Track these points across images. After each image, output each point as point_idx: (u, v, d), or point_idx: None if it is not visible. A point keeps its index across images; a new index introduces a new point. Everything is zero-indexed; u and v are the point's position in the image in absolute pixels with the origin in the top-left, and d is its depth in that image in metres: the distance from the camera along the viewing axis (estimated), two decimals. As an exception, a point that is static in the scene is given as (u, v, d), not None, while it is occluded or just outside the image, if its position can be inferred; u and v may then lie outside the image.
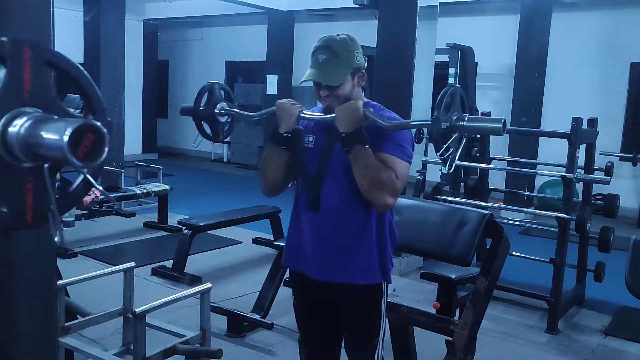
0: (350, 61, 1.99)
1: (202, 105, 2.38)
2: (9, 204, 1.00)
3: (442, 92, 1.76)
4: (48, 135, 0.95)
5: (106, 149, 0.96)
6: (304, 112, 2.05)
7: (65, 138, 0.91)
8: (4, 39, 0.98)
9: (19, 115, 0.99)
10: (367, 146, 1.88)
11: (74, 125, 0.92)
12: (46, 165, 1.00)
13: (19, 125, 0.97)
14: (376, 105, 2.09)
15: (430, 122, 1.76)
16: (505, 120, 1.73)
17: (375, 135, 1.94)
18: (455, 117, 1.74)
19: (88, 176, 1.03)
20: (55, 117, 1.01)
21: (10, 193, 1.00)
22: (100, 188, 1.07)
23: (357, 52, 2.01)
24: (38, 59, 1.01)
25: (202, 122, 2.40)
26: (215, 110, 2.37)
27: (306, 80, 2.00)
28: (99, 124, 0.96)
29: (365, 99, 2.10)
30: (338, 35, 2.01)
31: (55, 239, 1.04)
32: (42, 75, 1.03)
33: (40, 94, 1.02)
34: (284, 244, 2.31)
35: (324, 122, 2.05)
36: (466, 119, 1.74)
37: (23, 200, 1.01)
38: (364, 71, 2.06)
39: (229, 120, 2.45)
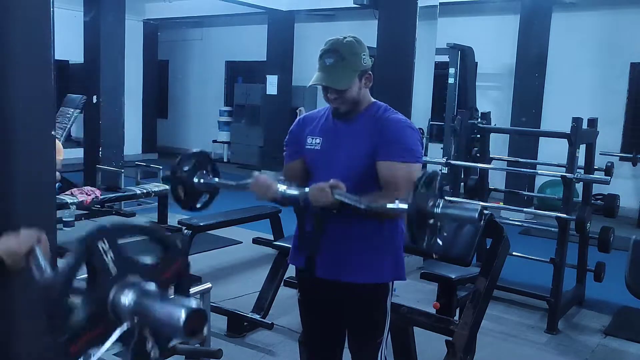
0: (357, 64, 2.00)
1: (184, 169, 2.20)
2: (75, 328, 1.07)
3: (420, 176, 1.68)
4: (163, 314, 1.05)
5: (206, 329, 1.10)
6: (281, 188, 1.97)
7: (181, 321, 1.01)
8: (83, 239, 1.09)
9: (127, 286, 1.10)
10: (359, 199, 1.84)
11: (188, 309, 1.02)
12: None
13: (129, 296, 1.09)
14: (383, 105, 2.10)
15: (405, 209, 1.69)
16: (481, 208, 1.64)
17: (382, 143, 1.96)
18: (430, 204, 1.63)
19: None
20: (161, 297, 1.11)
21: (84, 321, 1.08)
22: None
23: (364, 54, 2.02)
24: (113, 242, 1.13)
25: (178, 187, 2.21)
26: (194, 180, 2.20)
27: (314, 85, 2.00)
28: (205, 310, 1.07)
29: (373, 100, 2.11)
30: (345, 38, 2.02)
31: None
32: (120, 249, 1.15)
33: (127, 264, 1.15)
34: (284, 244, 2.31)
35: (331, 125, 2.07)
36: (441, 205, 1.66)
37: (82, 335, 1.08)
38: (371, 72, 2.07)
39: (206, 196, 2.28)
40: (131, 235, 1.19)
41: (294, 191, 1.97)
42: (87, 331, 1.07)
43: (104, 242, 1.09)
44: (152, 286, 1.11)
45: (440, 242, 1.69)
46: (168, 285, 1.19)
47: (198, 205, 2.26)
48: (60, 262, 1.10)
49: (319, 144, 2.09)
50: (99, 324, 1.07)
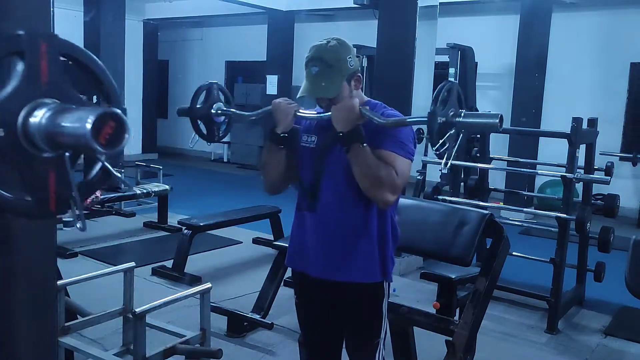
0: (344, 69, 1.98)
1: (198, 104, 2.37)
2: (33, 193, 1.03)
3: (438, 87, 1.75)
4: (70, 124, 0.98)
5: (127, 136, 0.99)
6: (301, 111, 2.04)
7: (88, 125, 0.94)
8: (21, 32, 1.01)
9: (38, 106, 1.01)
10: (365, 144, 1.87)
11: (96, 113, 0.95)
12: (67, 154, 1.04)
13: (39, 116, 1.00)
14: (378, 103, 2.09)
15: (426, 118, 1.73)
16: (501, 115, 1.71)
17: (376, 133, 1.94)
18: (451, 113, 1.72)
19: (106, 163, 1.07)
20: (74, 106, 1.04)
21: (33, 183, 1.03)
22: (119, 175, 1.10)
23: (350, 57, 1.99)
24: (54, 51, 1.04)
25: (199, 122, 2.38)
26: (212, 111, 2.36)
27: (303, 96, 2.00)
28: (119, 111, 0.99)
29: (367, 98, 2.11)
30: (328, 42, 1.99)
31: (77, 225, 1.07)
32: (58, 67, 1.05)
33: (58, 85, 1.05)
34: (284, 244, 2.32)
35: (325, 122, 2.05)
36: (462, 114, 1.72)
37: (46, 189, 1.04)
38: (360, 74, 2.06)
39: (225, 120, 2.44)
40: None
41: (314, 113, 2.04)
42: (46, 180, 1.05)
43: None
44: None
45: (453, 152, 1.77)
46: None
47: (220, 135, 2.44)
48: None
49: (314, 141, 2.09)
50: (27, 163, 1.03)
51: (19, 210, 1.04)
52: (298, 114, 2.04)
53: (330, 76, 1.96)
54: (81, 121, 0.95)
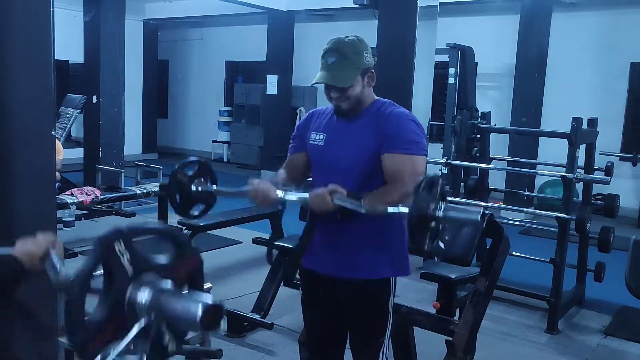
0: (360, 62, 2.01)
1: (184, 174, 2.16)
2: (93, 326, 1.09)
3: (421, 180, 1.67)
4: (180, 308, 1.09)
5: (223, 324, 1.13)
6: (282, 193, 1.97)
7: (199, 314, 1.04)
8: (97, 243, 1.12)
9: (141, 284, 1.12)
10: (360, 203, 1.83)
11: (206, 304, 1.06)
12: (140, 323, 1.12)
13: (146, 293, 1.12)
14: (386, 102, 2.11)
15: (407, 211, 1.68)
16: (484, 211, 1.64)
17: (386, 137, 1.97)
18: (432, 207, 1.62)
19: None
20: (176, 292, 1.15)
21: (102, 319, 1.10)
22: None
23: (366, 53, 2.03)
24: (128, 243, 1.14)
25: (177, 194, 2.16)
26: (192, 187, 2.15)
27: (317, 83, 2.01)
28: (223, 304, 1.08)
29: (376, 97, 2.12)
30: (347, 37, 2.03)
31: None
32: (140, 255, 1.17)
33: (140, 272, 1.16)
34: (284, 244, 2.31)
35: (335, 122, 2.08)
36: (443, 208, 1.62)
37: (100, 333, 1.09)
38: (374, 71, 2.08)
39: (204, 200, 2.21)
40: (146, 236, 1.22)
41: (293, 197, 1.98)
42: (105, 329, 1.09)
43: (120, 243, 1.11)
44: (167, 283, 1.14)
45: (443, 246, 1.68)
46: (183, 283, 1.21)
47: (195, 213, 2.22)
48: (78, 264, 1.12)
49: (322, 139, 2.10)
50: (116, 321, 1.10)
51: (68, 331, 1.08)
52: (279, 196, 1.97)
53: (345, 67, 1.98)
54: (191, 309, 1.06)
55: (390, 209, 1.74)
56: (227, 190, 2.19)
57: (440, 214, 1.59)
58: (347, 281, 2.07)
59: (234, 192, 2.16)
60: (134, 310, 1.10)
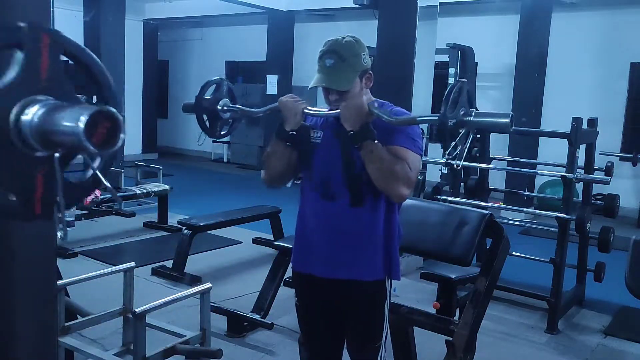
0: (358, 64, 1.99)
1: (205, 97, 2.34)
2: (19, 193, 0.98)
3: (449, 87, 1.74)
4: (63, 121, 0.93)
5: (121, 136, 0.94)
6: (309, 108, 2.04)
7: (82, 124, 0.89)
8: (23, 23, 0.97)
9: (33, 102, 0.97)
10: (376, 141, 1.87)
11: (90, 111, 0.91)
12: (57, 154, 0.99)
13: (32, 113, 0.96)
14: (385, 102, 2.10)
15: (437, 118, 1.72)
16: (513, 115, 1.69)
17: (385, 130, 1.95)
18: (462, 113, 1.70)
19: (98, 172, 1.03)
20: (69, 104, 0.99)
21: (20, 182, 0.98)
22: (108, 184, 1.06)
23: (364, 54, 2.01)
24: (56, 46, 1.00)
25: (204, 116, 2.35)
26: (218, 107, 2.33)
27: (315, 86, 2.00)
28: (114, 110, 0.94)
29: (373, 98, 2.11)
30: (344, 38, 2.01)
31: (59, 233, 1.03)
32: (59, 64, 1.01)
33: (56, 83, 1.01)
34: (284, 244, 2.31)
35: (332, 119, 2.06)
36: (473, 114, 1.70)
37: (33, 190, 0.99)
38: (371, 72, 2.07)
39: (229, 119, 2.42)
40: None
41: (322, 110, 2.02)
42: (32, 186, 0.99)
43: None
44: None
45: (465, 151, 1.73)
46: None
47: (222, 132, 2.38)
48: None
49: (319, 137, 2.09)
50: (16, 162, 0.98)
51: (2, 210, 0.99)
52: (306, 111, 2.03)
53: (343, 70, 1.97)
54: (75, 119, 0.90)
55: (419, 119, 1.78)
56: (253, 110, 2.31)
57: (470, 118, 1.63)
58: (341, 282, 2.07)
59: (261, 111, 2.25)
60: (25, 139, 0.97)
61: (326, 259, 2.08)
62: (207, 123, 2.37)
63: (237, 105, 2.35)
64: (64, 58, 1.05)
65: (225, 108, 2.33)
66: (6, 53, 0.98)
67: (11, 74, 0.96)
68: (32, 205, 0.99)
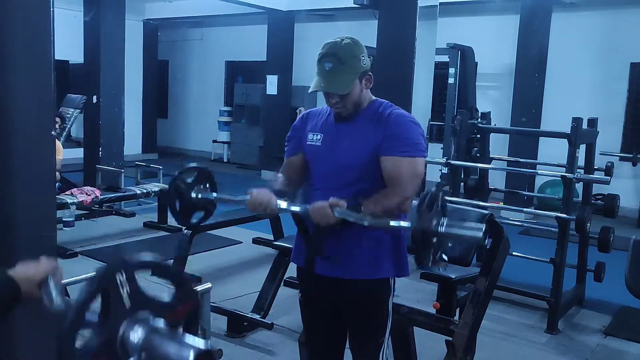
0: (357, 66, 1.99)
1: (184, 182, 2.16)
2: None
3: (422, 195, 1.68)
4: (172, 350, 1.06)
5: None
6: (281, 205, 1.96)
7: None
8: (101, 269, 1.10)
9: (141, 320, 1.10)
10: (361, 216, 1.85)
11: (197, 350, 1.04)
12: None
13: (140, 332, 1.09)
14: (384, 102, 2.10)
15: (409, 227, 1.68)
16: (486, 227, 1.64)
17: (385, 138, 1.96)
18: (434, 223, 1.63)
19: None
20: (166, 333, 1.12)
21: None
22: None
23: (363, 56, 2.01)
24: (131, 277, 1.14)
25: (176, 202, 2.16)
26: (192, 194, 2.15)
27: (315, 90, 1.99)
28: (215, 351, 1.06)
29: (374, 98, 2.11)
30: (342, 40, 2.00)
31: None
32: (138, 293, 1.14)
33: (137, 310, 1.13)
34: (284, 244, 2.30)
35: (332, 122, 2.08)
36: (445, 224, 1.63)
37: None
38: (371, 73, 2.06)
39: (204, 207, 2.24)
40: (148, 270, 1.22)
41: (295, 207, 1.97)
42: None
43: (122, 274, 1.10)
44: (161, 323, 1.12)
45: (446, 258, 1.68)
46: (178, 323, 1.20)
47: (194, 221, 2.23)
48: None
49: (319, 139, 2.09)
50: (107, 356, 1.08)
51: None
52: (282, 207, 1.97)
53: (343, 73, 1.96)
54: (183, 355, 1.03)
55: (392, 223, 1.75)
56: (227, 197, 2.18)
57: (442, 229, 1.59)
58: (346, 281, 2.07)
59: (234, 200, 2.14)
60: (125, 347, 1.08)
61: (329, 260, 2.08)
62: (178, 207, 2.18)
63: (214, 194, 2.18)
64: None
65: (200, 197, 2.15)
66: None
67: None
68: None
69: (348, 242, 2.05)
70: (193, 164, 2.20)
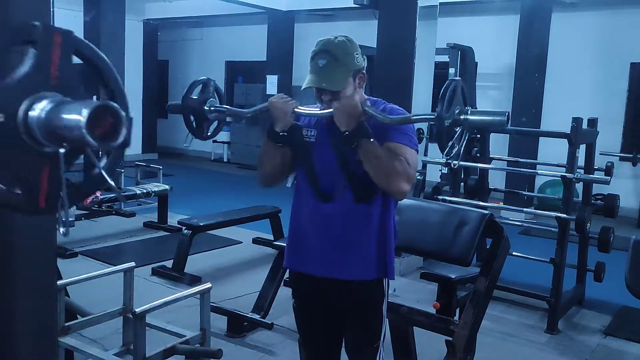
0: (350, 64, 1.97)
1: (192, 96, 2.31)
2: (24, 186, 0.99)
3: (444, 86, 1.71)
4: (67, 115, 0.95)
5: (124, 131, 0.96)
6: (300, 107, 2.01)
7: (83, 117, 0.91)
8: (37, 22, 0.99)
9: (41, 98, 0.99)
10: (372, 139, 1.85)
11: (92, 105, 0.93)
12: (62, 150, 1.00)
13: (39, 108, 0.97)
14: (377, 100, 2.08)
15: (433, 117, 1.69)
16: (508, 112, 1.67)
17: (379, 128, 1.94)
18: (457, 112, 1.66)
19: (103, 171, 1.05)
20: (75, 100, 1.00)
21: (26, 176, 1.00)
22: (113, 184, 1.07)
23: (357, 54, 1.99)
24: (68, 45, 1.02)
25: (191, 117, 2.31)
26: (205, 107, 2.29)
27: (308, 87, 1.98)
28: (116, 106, 0.96)
29: (366, 96, 2.10)
30: (336, 37, 1.99)
31: (61, 229, 1.04)
32: (69, 63, 1.03)
33: (66, 80, 1.02)
34: (284, 244, 2.30)
35: (326, 119, 2.04)
36: (469, 112, 1.67)
37: (38, 184, 1.00)
38: (364, 72, 2.05)
39: (216, 118, 2.35)
40: None
41: (313, 110, 1.98)
42: (38, 179, 1.01)
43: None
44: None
45: (461, 150, 1.70)
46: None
47: (209, 134, 2.34)
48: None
49: (314, 136, 2.07)
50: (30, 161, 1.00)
51: (7, 202, 1.00)
52: (297, 110, 2.01)
53: (336, 69, 1.95)
54: (77, 112, 0.92)
55: (414, 117, 1.74)
56: (242, 110, 2.28)
57: (466, 117, 1.61)
58: (340, 283, 2.06)
59: (250, 111, 2.21)
60: (34, 136, 0.98)
61: (321, 258, 2.08)
62: (194, 123, 2.33)
63: (225, 106, 2.31)
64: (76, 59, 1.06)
65: (212, 108, 2.28)
66: (18, 50, 0.99)
67: (22, 70, 0.98)
68: (37, 199, 1.01)
69: (339, 243, 2.05)
70: (201, 78, 2.34)
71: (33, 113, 0.97)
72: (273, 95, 2.12)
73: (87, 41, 1.07)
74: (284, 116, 2.00)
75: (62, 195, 1.03)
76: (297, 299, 2.24)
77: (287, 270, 2.37)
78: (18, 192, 0.99)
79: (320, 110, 2.02)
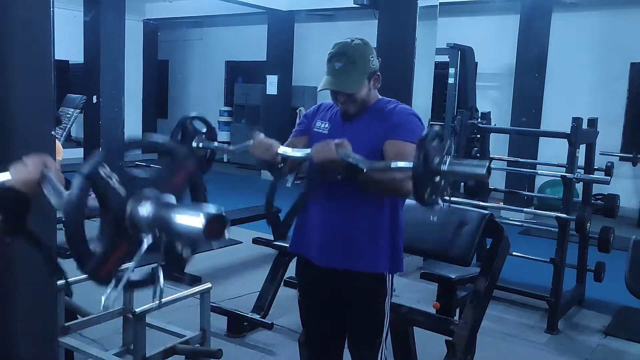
0: (366, 67, 2.02)
1: (179, 139, 2.24)
2: (100, 252, 1.06)
3: (425, 132, 1.65)
4: (182, 219, 1.03)
5: (227, 233, 1.04)
6: (281, 150, 1.96)
7: (201, 224, 0.99)
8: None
9: (148, 197, 1.07)
10: (364, 169, 1.81)
11: (209, 213, 1.00)
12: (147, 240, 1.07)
13: (148, 205, 1.06)
14: (390, 100, 2.13)
15: (410, 167, 1.65)
16: (489, 163, 1.60)
17: (391, 127, 1.98)
18: (437, 162, 1.59)
19: (160, 272, 1.18)
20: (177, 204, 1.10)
21: (107, 242, 1.06)
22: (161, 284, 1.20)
23: (372, 57, 2.04)
24: (189, 176, 1.17)
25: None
26: (193, 144, 2.20)
27: (324, 89, 2.01)
28: (225, 214, 1.03)
29: (380, 96, 2.14)
30: (353, 40, 2.03)
31: (102, 304, 1.10)
32: (184, 187, 1.17)
33: (179, 195, 1.14)
34: (284, 244, 2.30)
35: (339, 117, 2.09)
36: (447, 162, 1.58)
37: (109, 256, 1.06)
38: (379, 73, 2.09)
39: (207, 156, 2.27)
40: (130, 149, 1.18)
41: (295, 153, 1.95)
42: (112, 252, 1.06)
43: (104, 167, 1.06)
44: (168, 196, 1.09)
45: (442, 203, 1.65)
46: (180, 192, 1.16)
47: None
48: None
49: (327, 128, 2.12)
50: (121, 242, 1.07)
51: (76, 259, 1.05)
52: (278, 152, 1.96)
53: (352, 72, 1.99)
54: (196, 216, 1.01)
55: (393, 164, 1.72)
56: (228, 147, 2.22)
57: (445, 167, 1.57)
58: (344, 273, 2.07)
59: (236, 149, 2.18)
60: (137, 226, 1.05)
61: (327, 249, 2.09)
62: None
63: (214, 143, 2.21)
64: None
65: (200, 146, 2.20)
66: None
67: (156, 173, 1.13)
68: (100, 267, 1.06)
69: (346, 234, 2.06)
70: (192, 114, 2.23)
71: (142, 207, 1.05)
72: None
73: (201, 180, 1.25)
74: (263, 157, 1.99)
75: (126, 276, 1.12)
76: (302, 289, 2.27)
77: (288, 269, 2.37)
78: (92, 251, 1.06)
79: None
